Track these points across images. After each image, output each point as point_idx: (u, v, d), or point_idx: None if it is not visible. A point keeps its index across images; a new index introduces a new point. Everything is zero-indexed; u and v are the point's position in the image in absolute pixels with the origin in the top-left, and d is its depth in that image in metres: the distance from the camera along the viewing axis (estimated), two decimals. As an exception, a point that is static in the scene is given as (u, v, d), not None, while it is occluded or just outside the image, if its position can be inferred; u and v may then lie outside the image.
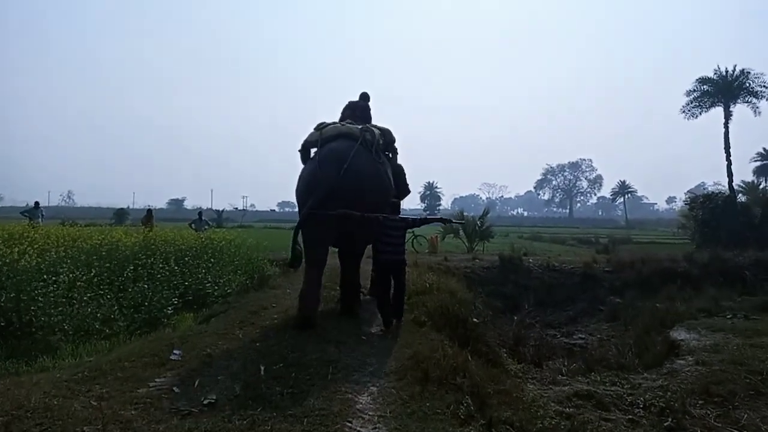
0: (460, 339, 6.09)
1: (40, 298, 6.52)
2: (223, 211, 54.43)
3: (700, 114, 25.12)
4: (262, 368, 4.38)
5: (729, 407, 5.20)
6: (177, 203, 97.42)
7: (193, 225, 15.76)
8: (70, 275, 7.43)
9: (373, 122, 7.55)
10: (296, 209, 7.41)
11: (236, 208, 74.47)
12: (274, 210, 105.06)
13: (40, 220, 16.05)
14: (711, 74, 24.37)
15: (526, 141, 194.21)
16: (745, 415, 4.99)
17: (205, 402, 3.73)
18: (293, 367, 4.45)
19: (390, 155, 7.47)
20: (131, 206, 66.00)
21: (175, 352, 4.88)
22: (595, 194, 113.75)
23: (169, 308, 7.52)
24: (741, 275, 12.99)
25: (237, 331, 5.75)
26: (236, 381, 4.13)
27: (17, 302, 6.34)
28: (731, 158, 23.57)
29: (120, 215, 41.59)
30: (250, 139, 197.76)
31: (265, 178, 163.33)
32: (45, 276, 7.11)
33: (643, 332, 9.05)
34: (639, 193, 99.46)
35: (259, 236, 14.02)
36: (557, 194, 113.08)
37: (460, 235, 20.68)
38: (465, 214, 23.34)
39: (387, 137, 7.34)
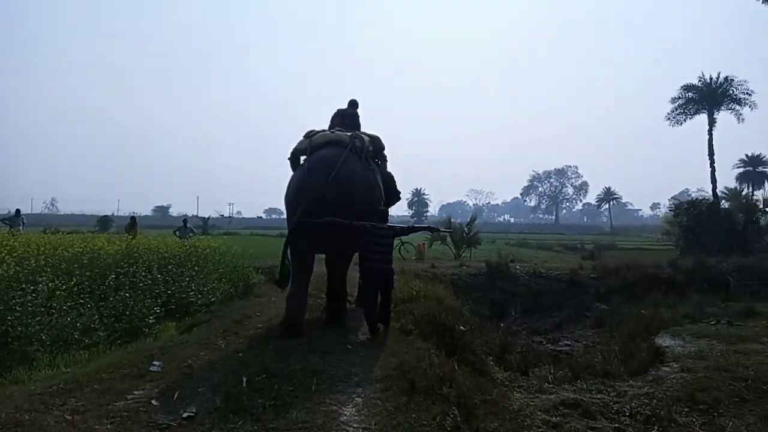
0: (447, 347, 6.05)
1: (17, 308, 6.35)
2: (209, 218, 54.13)
3: (685, 121, 25.48)
4: (244, 380, 4.28)
5: (714, 414, 5.21)
6: (162, 210, 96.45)
7: (177, 232, 15.57)
8: (50, 284, 7.27)
9: (363, 129, 7.53)
10: (283, 216, 7.36)
11: (222, 215, 74.02)
12: (261, 217, 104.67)
13: (21, 227, 15.76)
14: (696, 81, 24.74)
15: (512, 148, 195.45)
16: (730, 423, 5.00)
17: (184, 415, 3.63)
18: (276, 378, 4.37)
19: (379, 162, 7.45)
20: (116, 213, 65.31)
21: (154, 363, 4.77)
22: (581, 201, 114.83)
23: (151, 317, 7.38)
24: (725, 281, 13.13)
25: (220, 341, 5.65)
26: (217, 393, 4.03)
27: (-7, 312, 6.19)
28: (715, 165, 23.89)
29: (104, 223, 41.00)
30: (236, 145, 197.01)
31: (251, 185, 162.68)
32: (23, 285, 6.95)
33: (628, 339, 9.08)
34: (624, 200, 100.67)
35: (245, 243, 13.88)
36: (543, 201, 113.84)
37: (447, 241, 20.69)
38: (452, 220, 23.39)
39: (376, 144, 7.33)
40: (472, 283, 12.87)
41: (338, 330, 6.26)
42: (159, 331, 7.09)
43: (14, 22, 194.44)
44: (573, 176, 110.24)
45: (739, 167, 48.72)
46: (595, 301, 12.62)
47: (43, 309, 6.72)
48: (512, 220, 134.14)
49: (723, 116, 24.52)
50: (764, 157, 47.26)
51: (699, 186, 58.72)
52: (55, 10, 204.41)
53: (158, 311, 7.64)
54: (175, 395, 3.99)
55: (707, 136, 24.01)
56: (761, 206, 22.68)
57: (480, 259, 16.11)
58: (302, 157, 6.75)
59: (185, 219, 17.88)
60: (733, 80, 24.05)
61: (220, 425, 3.47)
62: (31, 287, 7.00)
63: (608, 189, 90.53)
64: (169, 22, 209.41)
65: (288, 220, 6.44)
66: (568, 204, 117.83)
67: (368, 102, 8.61)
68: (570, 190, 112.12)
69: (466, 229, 20.90)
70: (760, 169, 47.67)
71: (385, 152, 7.67)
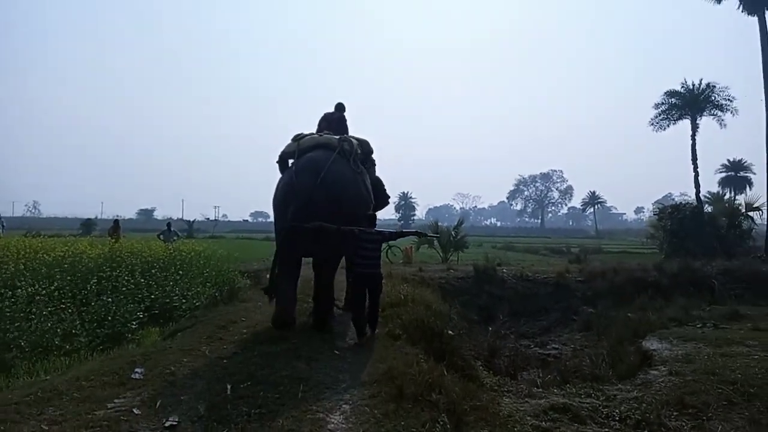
0: (436, 352, 5.98)
1: (-6, 314, 6.20)
2: (194, 221, 53.61)
3: (668, 126, 25.73)
4: (229, 387, 4.17)
5: (703, 418, 5.21)
6: (147, 213, 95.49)
7: (161, 236, 15.40)
8: (29, 289, 7.13)
9: (350, 133, 7.49)
10: (269, 220, 7.32)
11: (208, 218, 73.35)
12: (246, 220, 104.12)
13: (0, 231, 15.47)
14: (678, 88, 25.04)
15: (499, 151, 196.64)
16: (720, 427, 5.00)
17: (166, 424, 3.53)
18: (262, 385, 4.26)
19: (368, 166, 7.43)
20: (99, 216, 64.54)
21: (136, 370, 4.65)
22: (566, 204, 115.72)
23: (134, 323, 7.26)
24: (710, 284, 13.21)
25: (203, 347, 5.53)
26: (200, 401, 3.93)
27: (-31, 318, 6.02)
28: (698, 170, 24.15)
29: (87, 226, 40.51)
30: (222, 148, 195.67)
31: (237, 188, 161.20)
32: (1, 290, 6.80)
33: (616, 342, 9.08)
34: (608, 204, 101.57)
35: (230, 247, 13.76)
36: (529, 204, 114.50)
37: (434, 245, 20.67)
38: (439, 224, 23.33)
39: (365, 148, 7.34)
40: (460, 287, 12.84)
41: (325, 335, 6.17)
42: (142, 336, 6.97)
43: (7, 26, 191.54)
44: (558, 180, 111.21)
45: (721, 172, 49.51)
46: (582, 305, 12.63)
47: (22, 315, 6.59)
48: (498, 223, 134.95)
49: (705, 122, 24.81)
50: (745, 162, 47.99)
51: (682, 190, 59.71)
52: (37, 12, 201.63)
53: (141, 316, 7.52)
54: (158, 404, 3.87)
55: (690, 142, 24.28)
56: (743, 210, 22.97)
57: (467, 263, 16.10)
58: (290, 161, 6.74)
59: (169, 222, 17.65)
60: (714, 87, 24.38)
61: (203, 435, 3.37)
62: (10, 292, 6.85)
63: (593, 193, 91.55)
64: (154, 25, 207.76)
65: (276, 223, 6.43)
66: (553, 208, 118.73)
67: (355, 104, 8.58)
68: (555, 194, 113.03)
69: (453, 232, 20.90)
70: (742, 173, 48.35)
71: (374, 156, 7.65)
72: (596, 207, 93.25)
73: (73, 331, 6.70)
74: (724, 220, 22.72)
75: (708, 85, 24.43)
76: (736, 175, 48.45)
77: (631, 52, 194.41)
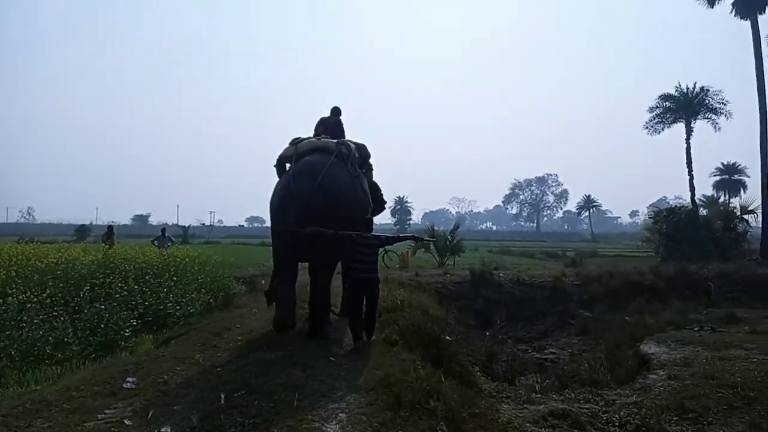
0: (433, 358, 5.92)
1: (-16, 322, 6.10)
2: (189, 226, 53.43)
3: (663, 130, 25.74)
4: (223, 396, 4.09)
5: (703, 423, 5.15)
6: (142, 219, 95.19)
7: (155, 242, 15.27)
8: (21, 296, 7.03)
9: (348, 137, 7.46)
10: (265, 225, 7.30)
11: (203, 224, 73.21)
12: (242, 225, 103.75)
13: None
14: (673, 91, 25.09)
15: (494, 156, 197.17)
16: (720, 431, 4.94)
17: (158, 435, 3.44)
18: (256, 393, 4.18)
19: (365, 171, 7.40)
20: (94, 222, 64.25)
21: (128, 379, 4.56)
22: (561, 208, 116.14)
23: (127, 330, 7.17)
24: (706, 288, 13.21)
25: (197, 354, 5.45)
26: (194, 411, 3.84)
27: (-42, 327, 5.92)
28: (693, 173, 24.19)
29: (82, 232, 40.18)
30: (217, 154, 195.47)
31: (233, 194, 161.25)
32: (-9, 298, 6.69)
33: (613, 346, 9.03)
34: (603, 207, 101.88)
35: (225, 253, 13.68)
36: (525, 208, 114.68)
37: (431, 249, 20.61)
38: (435, 228, 23.30)
39: (362, 152, 7.34)
40: (457, 291, 12.80)
41: (321, 342, 6.09)
42: (135, 344, 6.88)
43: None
44: (553, 184, 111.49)
45: (716, 175, 49.56)
46: (579, 308, 12.60)
47: (13, 323, 6.49)
48: (494, 227, 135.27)
49: (700, 125, 24.86)
50: (740, 165, 48.16)
51: (677, 193, 59.82)
52: (30, 15, 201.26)
53: (134, 323, 7.44)
54: (150, 414, 3.79)
55: (685, 145, 24.33)
56: (738, 213, 23.02)
57: (464, 267, 16.06)
58: (288, 165, 6.72)
59: (164, 228, 17.54)
60: (709, 90, 24.43)
61: (196, 446, 3.29)
62: (1, 300, 6.75)
63: (588, 197, 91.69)
64: (148, 30, 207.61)
65: (272, 226, 6.43)
66: (548, 212, 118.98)
67: (351, 108, 8.55)
68: (551, 198, 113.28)
69: (449, 236, 20.88)
70: (736, 177, 48.51)
71: (371, 161, 7.63)
72: (591, 211, 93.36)
73: (65, 340, 6.60)
74: (719, 223, 22.77)
75: (702, 88, 24.48)
76: (731, 178, 48.56)
77: (630, 54, 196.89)
